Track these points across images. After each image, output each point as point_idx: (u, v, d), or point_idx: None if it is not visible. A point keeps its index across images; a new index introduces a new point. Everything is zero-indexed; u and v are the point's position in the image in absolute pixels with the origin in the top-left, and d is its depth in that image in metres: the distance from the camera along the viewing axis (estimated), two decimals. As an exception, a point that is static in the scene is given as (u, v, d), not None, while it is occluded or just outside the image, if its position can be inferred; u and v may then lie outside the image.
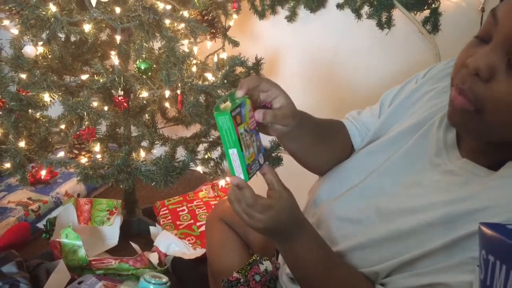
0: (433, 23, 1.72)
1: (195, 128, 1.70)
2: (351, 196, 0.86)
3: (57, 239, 1.47)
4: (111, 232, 1.63)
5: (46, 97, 1.29)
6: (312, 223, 0.81)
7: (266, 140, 1.57)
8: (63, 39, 1.51)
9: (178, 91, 1.33)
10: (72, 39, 1.54)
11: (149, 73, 1.32)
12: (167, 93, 1.34)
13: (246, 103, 0.74)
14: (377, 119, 0.97)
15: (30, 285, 1.22)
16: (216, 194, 1.90)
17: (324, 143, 0.93)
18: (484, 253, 0.52)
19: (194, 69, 1.39)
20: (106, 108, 1.37)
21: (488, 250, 0.51)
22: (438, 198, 0.70)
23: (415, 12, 1.72)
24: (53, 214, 1.67)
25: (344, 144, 0.96)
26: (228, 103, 0.73)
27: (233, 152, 0.71)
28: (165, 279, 1.36)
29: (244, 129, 0.72)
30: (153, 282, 1.33)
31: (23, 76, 1.33)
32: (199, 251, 1.55)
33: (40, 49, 1.36)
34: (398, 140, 0.86)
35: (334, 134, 0.96)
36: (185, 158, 1.33)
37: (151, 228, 1.69)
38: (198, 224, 1.74)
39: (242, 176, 0.72)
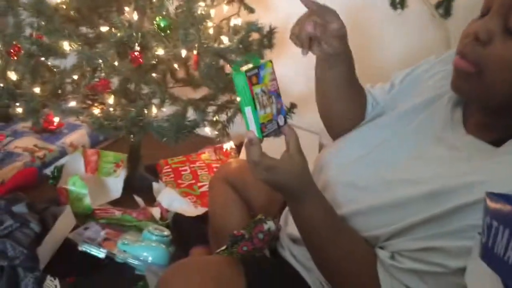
0: (445, 8, 1.75)
1: (203, 91, 1.73)
2: (358, 164, 0.90)
3: (64, 186, 1.52)
4: (116, 184, 1.68)
5: (66, 45, 1.32)
6: (319, 187, 0.86)
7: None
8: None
9: (195, 52, 1.36)
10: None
11: (168, 31, 1.34)
12: (183, 52, 1.37)
13: (267, 66, 0.79)
14: (386, 95, 1.02)
15: (40, 225, 1.27)
16: (218, 158, 1.94)
17: (355, 89, 1.00)
18: (488, 219, 0.57)
19: (211, 31, 1.41)
20: (119, 62, 1.40)
21: (492, 216, 0.56)
22: (441, 171, 0.75)
23: (427, -5, 1.75)
24: (61, 161, 1.71)
25: (365, 103, 1.02)
26: (250, 64, 0.77)
27: (248, 110, 0.77)
28: (166, 232, 1.43)
29: (261, 90, 0.77)
30: (156, 234, 1.39)
31: (43, 22, 1.35)
32: (200, 210, 1.60)
33: (61, -2, 1.38)
34: (406, 116, 0.91)
35: (362, 88, 1.02)
36: (196, 117, 1.37)
37: (154, 184, 1.73)
38: (199, 184, 1.79)
39: (256, 133, 0.77)
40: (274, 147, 0.86)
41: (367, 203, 0.83)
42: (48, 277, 1.20)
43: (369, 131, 0.96)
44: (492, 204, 0.56)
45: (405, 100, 0.96)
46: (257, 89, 0.76)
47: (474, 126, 0.79)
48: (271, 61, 0.81)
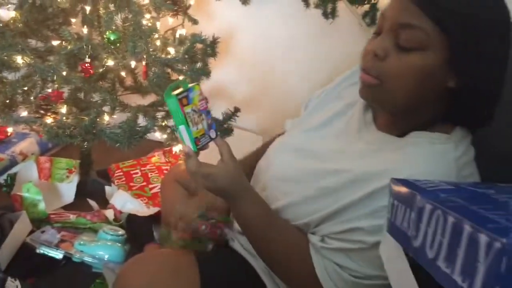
0: (371, 17, 1.94)
1: (151, 97, 1.83)
2: (292, 162, 1.03)
3: (19, 193, 1.57)
4: (68, 189, 1.74)
5: (19, 59, 1.38)
6: (259, 188, 1.01)
7: (218, 112, 1.73)
8: (28, 4, 1.58)
9: (143, 62, 1.46)
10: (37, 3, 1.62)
11: (117, 44, 1.43)
12: (133, 63, 1.47)
13: (195, 89, 0.91)
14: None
15: (-2, 230, 1.33)
16: (167, 160, 2.04)
17: None
18: (391, 200, 0.72)
19: (158, 43, 1.52)
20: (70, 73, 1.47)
21: (395, 197, 0.71)
22: (360, 161, 0.90)
23: (356, 5, 1.93)
24: (14, 170, 1.75)
25: None
26: (180, 89, 0.90)
27: (182, 128, 0.89)
28: (121, 231, 1.52)
29: (192, 109, 0.90)
30: (111, 233, 1.48)
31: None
32: (152, 210, 1.70)
33: (11, 13, 1.44)
34: (329, 120, 1.05)
35: None
36: (147, 123, 1.47)
37: (107, 188, 1.81)
38: (150, 186, 1.89)
39: (191, 147, 0.89)
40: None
41: (299, 194, 0.96)
42: (9, 278, 1.26)
43: (299, 135, 1.09)
44: (395, 187, 0.71)
45: (322, 110, 1.10)
46: (188, 109, 0.88)
47: (382, 124, 0.95)
48: (198, 84, 0.94)
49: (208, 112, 0.94)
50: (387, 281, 0.72)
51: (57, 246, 1.43)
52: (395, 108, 0.89)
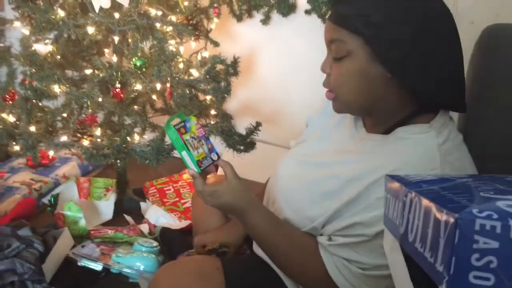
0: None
1: (180, 117, 1.94)
2: (297, 174, 1.10)
3: (61, 212, 1.71)
4: (107, 207, 1.87)
5: (56, 88, 1.53)
6: (270, 202, 1.11)
7: (241, 127, 1.83)
8: (64, 38, 1.74)
9: (168, 85, 1.58)
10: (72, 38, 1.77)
11: (143, 69, 1.56)
12: (158, 86, 1.59)
13: (191, 119, 1.04)
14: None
15: (43, 245, 1.45)
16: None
17: None
18: (386, 194, 0.78)
19: (181, 65, 1.63)
20: (103, 99, 1.61)
21: (388, 191, 0.77)
22: (354, 163, 0.97)
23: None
24: (56, 190, 1.89)
25: None
26: (178, 119, 1.02)
27: (184, 153, 1.00)
28: (155, 243, 1.61)
29: (191, 136, 1.01)
30: (145, 245, 1.58)
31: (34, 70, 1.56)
32: (184, 223, 1.80)
33: (49, 47, 1.59)
34: (328, 134, 1.13)
35: None
36: (173, 141, 1.58)
37: (142, 204, 1.93)
38: (182, 201, 1.99)
39: (195, 169, 1.00)
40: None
41: (305, 201, 1.02)
42: (54, 289, 1.38)
43: (302, 149, 1.17)
44: (388, 183, 0.77)
45: (322, 125, 1.18)
46: (186, 137, 1.00)
47: (369, 126, 1.02)
48: (194, 115, 1.06)
49: (207, 138, 1.06)
50: None
51: (96, 259, 1.54)
52: (358, 111, 0.98)
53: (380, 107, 0.94)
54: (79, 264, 1.52)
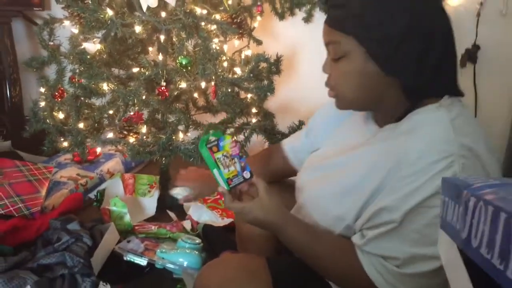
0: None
1: (222, 115, 1.95)
2: (316, 178, 1.12)
3: (107, 207, 1.75)
4: (150, 203, 1.90)
5: (104, 86, 1.56)
6: (298, 206, 1.14)
7: (284, 126, 1.82)
8: (110, 37, 1.77)
9: (212, 83, 1.59)
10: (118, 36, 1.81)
11: (189, 67, 1.57)
12: (203, 84, 1.60)
13: (226, 138, 1.06)
14: (305, 138, 1.30)
15: (91, 239, 1.49)
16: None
17: None
18: (442, 197, 0.76)
19: (225, 64, 1.64)
20: (148, 96, 1.63)
21: (444, 194, 0.75)
22: (369, 155, 0.98)
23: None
24: (102, 186, 1.94)
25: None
26: (213, 138, 1.05)
27: (215, 171, 1.03)
28: (198, 240, 1.63)
29: (223, 155, 1.04)
30: (189, 242, 1.60)
31: (82, 68, 1.60)
32: (227, 220, 1.80)
33: (97, 46, 1.62)
34: (342, 135, 1.15)
35: None
36: (217, 139, 1.59)
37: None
38: (223, 199, 1.99)
39: (224, 186, 1.03)
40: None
41: (330, 201, 1.03)
42: (101, 283, 1.41)
43: (316, 157, 1.20)
44: (446, 185, 0.75)
45: (325, 128, 1.22)
46: (218, 155, 1.03)
47: (379, 120, 1.04)
48: (230, 135, 1.11)
49: (240, 157, 1.07)
50: (431, 262, 0.83)
51: (141, 254, 1.57)
52: (361, 107, 1.02)
53: (383, 101, 0.97)
54: (124, 258, 1.56)
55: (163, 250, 1.55)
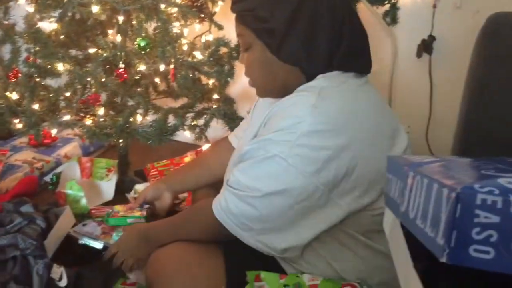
0: (392, 16, 1.99)
1: (182, 100, 1.95)
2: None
3: (63, 190, 1.72)
4: (108, 187, 1.87)
5: (60, 66, 1.53)
6: None
7: (243, 111, 1.83)
8: (68, 17, 1.74)
9: (171, 66, 1.58)
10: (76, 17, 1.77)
11: (147, 49, 1.56)
12: (162, 67, 1.59)
13: None
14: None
15: (45, 222, 1.46)
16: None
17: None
18: (388, 174, 0.79)
19: (185, 47, 1.63)
20: (107, 79, 1.61)
21: (389, 171, 0.78)
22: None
23: (377, 5, 1.99)
24: (58, 169, 1.90)
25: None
26: None
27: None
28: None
29: None
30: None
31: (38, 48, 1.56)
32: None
33: (53, 25, 1.59)
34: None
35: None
36: (176, 122, 1.59)
37: (137, 185, 1.93)
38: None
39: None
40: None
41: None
42: (55, 265, 1.39)
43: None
44: (390, 163, 0.79)
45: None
46: None
47: None
48: None
49: None
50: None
51: (98, 237, 1.55)
52: (276, 93, 1.07)
53: (291, 87, 1.01)
54: (80, 242, 1.53)
55: (119, 234, 1.54)
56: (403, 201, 0.68)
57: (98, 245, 1.53)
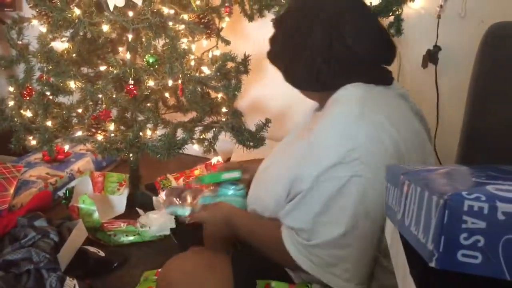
0: (396, 28, 2.01)
1: (191, 114, 1.98)
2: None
3: (75, 204, 1.76)
4: (120, 201, 1.91)
5: (72, 84, 1.58)
6: None
7: (252, 123, 1.87)
8: (80, 37, 1.79)
9: (179, 81, 1.62)
10: (88, 36, 1.83)
11: (156, 66, 1.60)
12: (170, 82, 1.63)
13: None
14: None
15: (58, 235, 1.50)
16: (209, 172, 2.18)
17: None
18: (387, 183, 0.81)
19: (192, 63, 1.67)
20: (117, 95, 1.66)
21: (388, 180, 0.80)
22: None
23: (381, 17, 2.01)
24: (71, 184, 1.95)
25: None
26: None
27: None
28: (242, 185, 1.43)
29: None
30: (232, 188, 1.37)
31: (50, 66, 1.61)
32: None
33: (65, 45, 1.64)
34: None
35: None
36: (184, 135, 1.62)
37: (154, 198, 1.97)
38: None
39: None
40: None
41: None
42: (68, 278, 1.42)
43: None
44: (388, 173, 0.80)
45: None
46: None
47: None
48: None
49: None
50: (332, 229, 0.93)
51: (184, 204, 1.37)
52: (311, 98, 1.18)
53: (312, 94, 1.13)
54: (166, 211, 1.41)
55: (206, 197, 1.35)
56: (400, 209, 0.70)
57: (185, 211, 1.37)
